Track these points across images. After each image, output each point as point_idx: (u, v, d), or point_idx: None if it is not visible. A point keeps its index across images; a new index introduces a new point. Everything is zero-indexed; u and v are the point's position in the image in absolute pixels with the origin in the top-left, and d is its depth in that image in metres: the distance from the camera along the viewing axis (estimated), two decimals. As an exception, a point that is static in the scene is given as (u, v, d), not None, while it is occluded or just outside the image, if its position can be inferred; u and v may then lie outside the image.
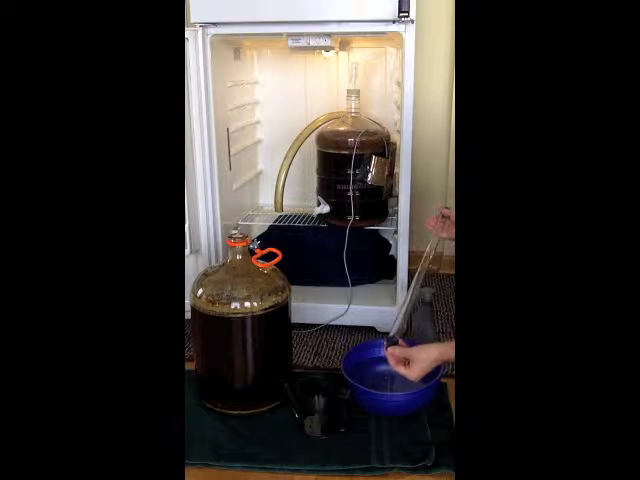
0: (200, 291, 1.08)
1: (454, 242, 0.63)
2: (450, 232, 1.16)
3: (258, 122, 1.71)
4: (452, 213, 1.15)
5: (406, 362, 1.04)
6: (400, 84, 1.28)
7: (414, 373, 1.02)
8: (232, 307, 1.05)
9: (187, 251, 1.33)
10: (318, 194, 1.49)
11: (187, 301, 1.10)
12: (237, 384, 1.11)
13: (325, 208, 1.45)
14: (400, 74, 1.28)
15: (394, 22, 1.18)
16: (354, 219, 1.42)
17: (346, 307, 1.41)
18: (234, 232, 1.11)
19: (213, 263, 1.38)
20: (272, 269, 1.12)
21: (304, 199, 1.70)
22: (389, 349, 1.06)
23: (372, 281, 1.55)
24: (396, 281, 1.39)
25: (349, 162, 1.37)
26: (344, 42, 1.54)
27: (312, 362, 1.29)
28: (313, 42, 1.28)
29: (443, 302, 1.60)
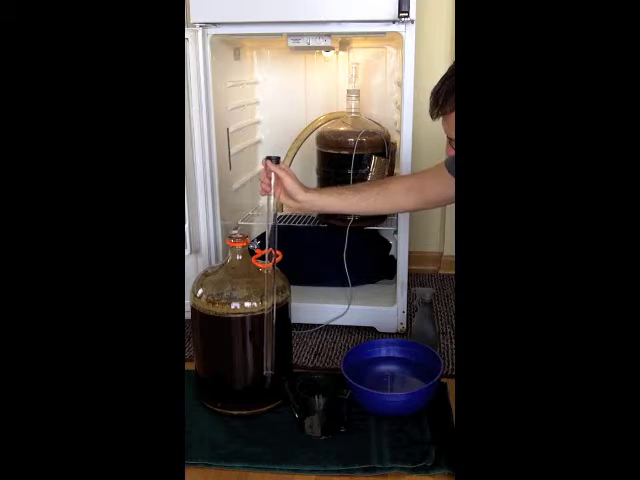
0: (200, 291, 1.08)
1: (454, 242, 0.62)
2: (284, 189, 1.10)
3: (258, 122, 1.71)
4: (275, 168, 1.08)
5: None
6: (400, 84, 1.28)
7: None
8: (232, 307, 1.05)
9: (187, 251, 1.33)
10: (318, 194, 1.49)
11: (187, 301, 1.10)
12: (237, 384, 1.11)
13: (325, 208, 1.45)
14: (400, 74, 1.28)
15: (394, 22, 1.18)
16: (354, 219, 1.41)
17: (346, 307, 1.41)
18: (234, 232, 1.11)
19: (213, 263, 1.38)
20: (272, 269, 1.12)
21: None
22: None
23: (372, 281, 1.55)
24: (396, 281, 1.39)
25: (349, 162, 1.37)
26: (344, 42, 1.54)
27: (312, 362, 1.29)
28: (313, 42, 1.28)
29: (443, 302, 1.60)
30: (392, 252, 1.60)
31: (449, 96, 0.85)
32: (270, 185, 1.09)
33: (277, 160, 1.10)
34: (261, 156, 1.74)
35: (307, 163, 1.59)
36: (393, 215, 1.49)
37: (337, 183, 1.42)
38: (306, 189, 1.13)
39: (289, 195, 1.12)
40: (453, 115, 0.85)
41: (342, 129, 1.44)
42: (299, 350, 1.34)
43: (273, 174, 1.08)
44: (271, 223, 1.09)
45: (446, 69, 0.94)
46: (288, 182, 1.10)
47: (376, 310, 1.41)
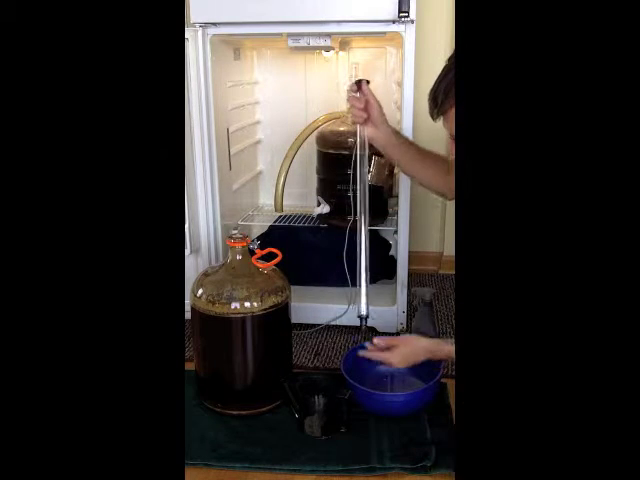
0: (200, 291, 1.08)
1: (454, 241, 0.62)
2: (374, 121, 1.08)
3: (258, 122, 1.71)
4: (366, 89, 1.06)
5: (388, 349, 1.06)
6: (400, 84, 1.28)
7: (394, 357, 1.04)
8: (232, 307, 1.05)
9: (187, 251, 1.33)
10: (318, 194, 1.49)
11: (187, 301, 1.10)
12: (237, 384, 1.11)
13: (325, 208, 1.45)
14: (400, 74, 1.28)
15: (394, 22, 1.18)
16: (354, 219, 1.41)
17: (346, 307, 1.41)
18: (234, 232, 1.11)
19: (213, 263, 1.38)
20: (272, 269, 1.12)
21: (304, 199, 1.70)
22: (374, 341, 1.08)
23: (372, 281, 1.54)
24: (396, 281, 1.39)
25: (349, 162, 1.38)
26: (344, 42, 1.54)
27: (312, 362, 1.29)
28: (313, 42, 1.28)
29: (443, 302, 1.60)
30: (392, 252, 1.60)
31: (447, 94, 0.85)
32: (364, 110, 1.06)
33: (367, 84, 1.08)
34: (261, 156, 1.75)
35: (307, 163, 1.59)
36: (393, 215, 1.49)
37: (337, 183, 1.42)
38: (387, 122, 1.12)
39: (373, 122, 1.09)
40: (453, 111, 0.85)
41: (342, 129, 1.44)
42: (299, 350, 1.34)
43: (364, 99, 1.06)
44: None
45: (446, 69, 0.94)
46: (376, 109, 1.08)
47: (376, 310, 1.41)
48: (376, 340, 1.07)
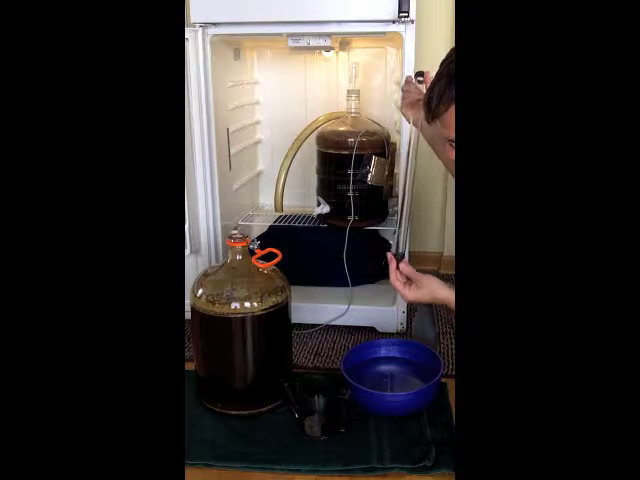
0: (200, 291, 1.08)
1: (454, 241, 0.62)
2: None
3: (258, 122, 1.71)
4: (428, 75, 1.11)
5: (407, 282, 1.04)
6: (400, 84, 1.28)
7: (410, 294, 1.03)
8: (232, 307, 1.05)
9: (187, 251, 1.33)
10: (318, 194, 1.49)
11: (187, 301, 1.10)
12: (237, 384, 1.11)
13: (325, 208, 1.45)
14: (400, 74, 1.28)
15: (394, 22, 1.18)
16: (354, 219, 1.41)
17: (346, 307, 1.41)
18: (234, 232, 1.11)
19: (213, 263, 1.38)
20: (272, 269, 1.12)
21: (304, 199, 1.70)
22: (401, 265, 1.04)
23: (372, 281, 1.55)
24: (396, 281, 1.39)
25: (349, 162, 1.37)
26: (344, 42, 1.54)
27: (312, 362, 1.29)
28: (313, 42, 1.28)
29: (443, 302, 1.60)
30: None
31: (441, 97, 0.86)
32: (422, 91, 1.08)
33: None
34: (261, 156, 1.75)
35: (307, 163, 1.59)
36: (393, 215, 1.49)
37: (337, 183, 1.42)
38: None
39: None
40: (448, 114, 0.85)
41: (342, 129, 1.44)
42: (299, 350, 1.34)
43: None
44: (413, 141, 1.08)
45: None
46: None
47: (376, 310, 1.41)
48: (402, 265, 1.04)
